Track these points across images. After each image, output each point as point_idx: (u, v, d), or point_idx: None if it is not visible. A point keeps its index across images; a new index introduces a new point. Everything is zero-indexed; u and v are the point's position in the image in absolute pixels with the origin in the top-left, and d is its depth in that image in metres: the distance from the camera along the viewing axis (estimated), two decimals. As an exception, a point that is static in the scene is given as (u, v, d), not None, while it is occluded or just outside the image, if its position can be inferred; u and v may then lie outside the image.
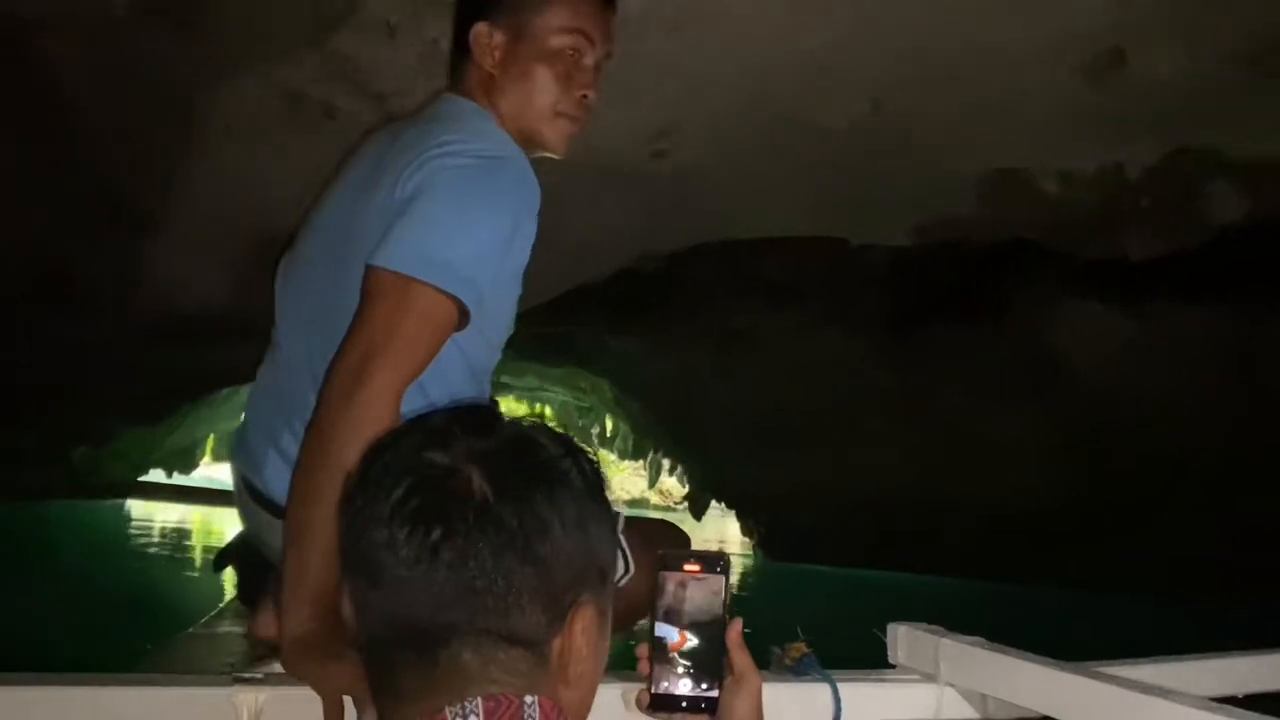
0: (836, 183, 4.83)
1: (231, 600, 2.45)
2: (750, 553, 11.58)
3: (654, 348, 9.07)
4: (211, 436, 14.61)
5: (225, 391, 8.86)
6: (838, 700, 1.20)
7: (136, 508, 13.64)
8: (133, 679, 1.11)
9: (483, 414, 0.80)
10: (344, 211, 1.38)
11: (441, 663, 0.71)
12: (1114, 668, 1.27)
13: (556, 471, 0.76)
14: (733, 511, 12.02)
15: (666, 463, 14.71)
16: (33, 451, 7.49)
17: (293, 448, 1.26)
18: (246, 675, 1.10)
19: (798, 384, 8.48)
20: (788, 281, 7.35)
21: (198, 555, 10.35)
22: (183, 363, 5.77)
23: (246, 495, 1.47)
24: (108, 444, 8.85)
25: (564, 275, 5.40)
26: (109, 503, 12.39)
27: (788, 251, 6.46)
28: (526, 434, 0.78)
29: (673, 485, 19.02)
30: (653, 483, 17.63)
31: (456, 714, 0.70)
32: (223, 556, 2.24)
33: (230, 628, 2.17)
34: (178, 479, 13.33)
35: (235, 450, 1.53)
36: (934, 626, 1.36)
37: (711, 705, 0.93)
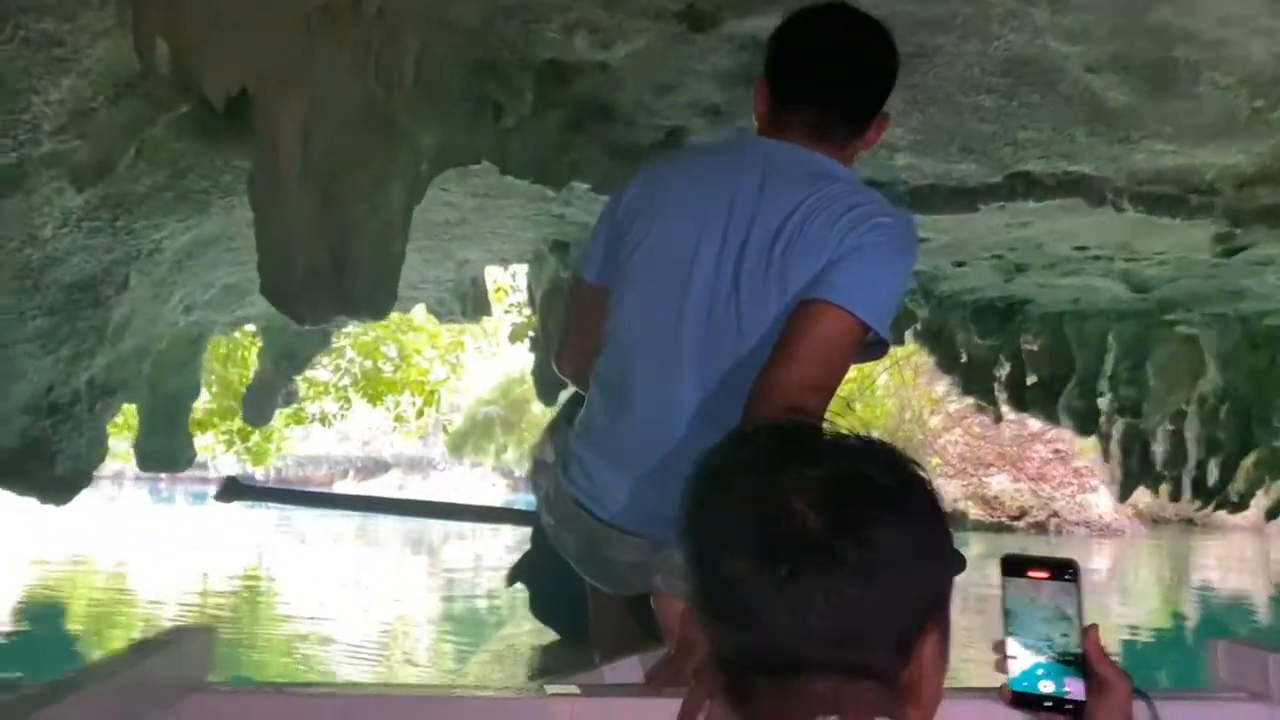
0: None
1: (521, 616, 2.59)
2: None
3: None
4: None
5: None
6: (1156, 720, 1.13)
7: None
8: (448, 688, 1.20)
9: (808, 438, 0.80)
10: (730, 267, 1.45)
11: (794, 690, 0.74)
12: None
13: (891, 502, 0.76)
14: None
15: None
16: None
17: (665, 481, 1.38)
18: (560, 688, 1.16)
19: None
20: None
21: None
22: None
23: (588, 515, 1.55)
24: None
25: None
26: None
27: None
28: (854, 461, 0.78)
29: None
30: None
31: None
32: (515, 573, 2.40)
33: (526, 639, 2.29)
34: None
35: (562, 476, 1.61)
36: (1262, 642, 1.26)
37: (1078, 709, 0.92)
